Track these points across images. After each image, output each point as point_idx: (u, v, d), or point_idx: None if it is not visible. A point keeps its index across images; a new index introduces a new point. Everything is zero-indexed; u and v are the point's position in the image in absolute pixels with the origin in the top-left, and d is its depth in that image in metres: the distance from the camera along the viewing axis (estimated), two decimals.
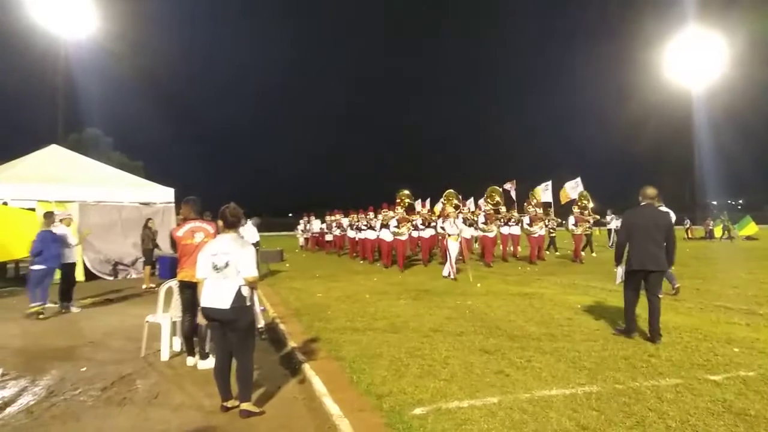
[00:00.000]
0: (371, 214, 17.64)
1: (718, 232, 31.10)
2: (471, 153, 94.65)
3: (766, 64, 60.94)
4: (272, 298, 10.02)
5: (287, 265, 17.45)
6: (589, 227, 17.76)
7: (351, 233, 19.47)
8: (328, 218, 23.59)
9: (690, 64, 46.61)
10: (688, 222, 33.85)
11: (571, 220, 17.18)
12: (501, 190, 17.75)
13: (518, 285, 11.04)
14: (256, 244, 13.43)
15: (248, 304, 4.22)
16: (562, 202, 18.81)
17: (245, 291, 4.19)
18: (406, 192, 16.07)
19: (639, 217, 6.25)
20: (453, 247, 12.75)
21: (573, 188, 18.22)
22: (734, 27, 50.96)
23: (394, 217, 15.21)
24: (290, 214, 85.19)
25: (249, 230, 13.74)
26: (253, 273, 4.19)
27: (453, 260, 12.55)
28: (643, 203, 6.36)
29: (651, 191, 6.36)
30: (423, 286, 11.15)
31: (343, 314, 7.96)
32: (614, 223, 21.06)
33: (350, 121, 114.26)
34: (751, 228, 30.41)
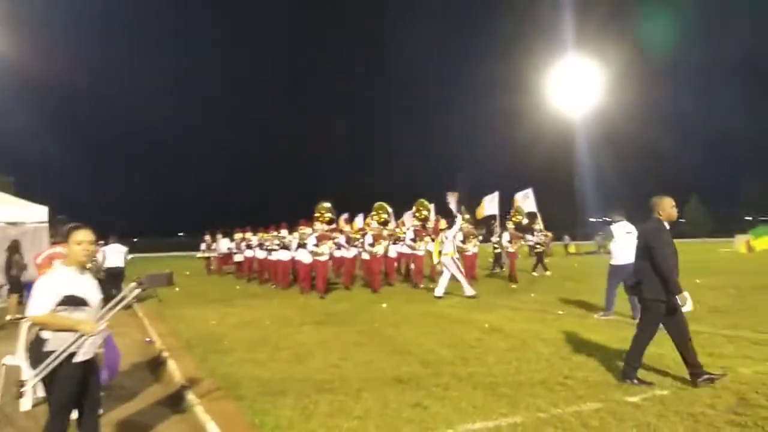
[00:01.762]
0: (284, 232, 15.86)
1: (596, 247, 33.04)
2: (363, 169, 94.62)
3: (636, 92, 67.00)
4: (159, 327, 9.12)
5: (177, 289, 16.23)
6: (544, 243, 17.24)
7: (260, 254, 16.98)
8: (236, 236, 20.44)
9: (571, 90, 49.93)
10: (567, 239, 35.65)
11: (506, 237, 16.30)
12: (428, 204, 16.12)
13: (425, 304, 10.84)
14: (114, 270, 12.27)
15: (46, 349, 3.19)
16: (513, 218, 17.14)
17: (45, 334, 3.22)
18: (327, 205, 13.87)
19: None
20: (449, 264, 11.75)
21: (523, 200, 17.36)
22: (608, 57, 55.40)
23: (312, 234, 13.40)
24: (180, 234, 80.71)
25: (112, 252, 12.51)
26: (31, 311, 3.22)
27: (461, 277, 11.72)
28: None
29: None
30: (327, 308, 10.65)
31: (242, 344, 7.29)
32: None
33: (264, 127, 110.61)
34: None
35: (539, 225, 17.53)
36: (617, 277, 8.41)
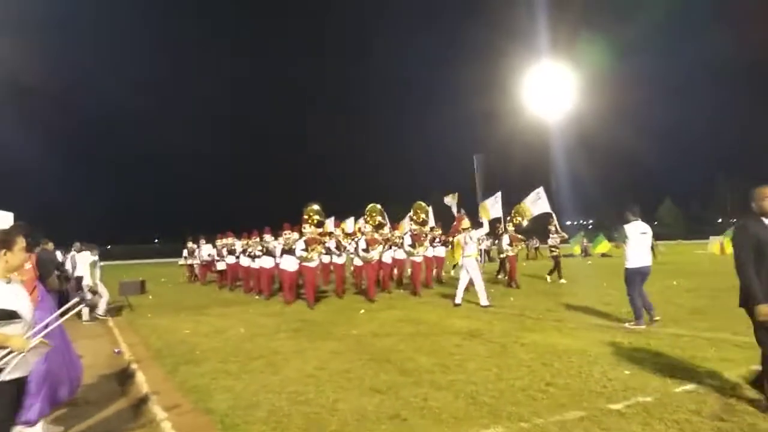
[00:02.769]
0: (268, 237, 14.89)
1: (576, 250, 33.24)
2: (341, 173, 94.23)
3: (608, 97, 67.97)
4: (129, 337, 8.82)
5: (150, 297, 15.83)
6: (554, 248, 16.14)
7: (244, 261, 15.98)
8: (218, 242, 18.85)
9: (546, 94, 50.43)
10: (536, 242, 35.40)
11: (505, 239, 14.94)
12: (426, 206, 15.14)
13: (403, 310, 10.67)
14: (83, 279, 11.65)
15: None
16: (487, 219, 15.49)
17: None
18: (316, 208, 12.61)
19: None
20: (473, 268, 10.83)
21: (493, 205, 16.04)
22: (582, 62, 56.09)
23: (300, 238, 12.33)
24: (156, 240, 78.98)
25: (82, 260, 11.89)
26: None
27: (481, 283, 10.84)
28: None
29: None
30: (303, 316, 10.41)
31: (214, 354, 7.04)
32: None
33: (237, 130, 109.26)
34: (604, 246, 32.88)
35: (554, 226, 16.14)
36: (636, 281, 7.90)
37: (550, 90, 50.17)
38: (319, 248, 12.31)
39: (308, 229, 12.29)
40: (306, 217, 12.48)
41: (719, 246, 27.68)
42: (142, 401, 5.21)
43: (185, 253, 22.57)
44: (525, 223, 15.28)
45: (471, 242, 10.99)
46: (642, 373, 5.28)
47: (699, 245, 35.88)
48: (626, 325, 7.91)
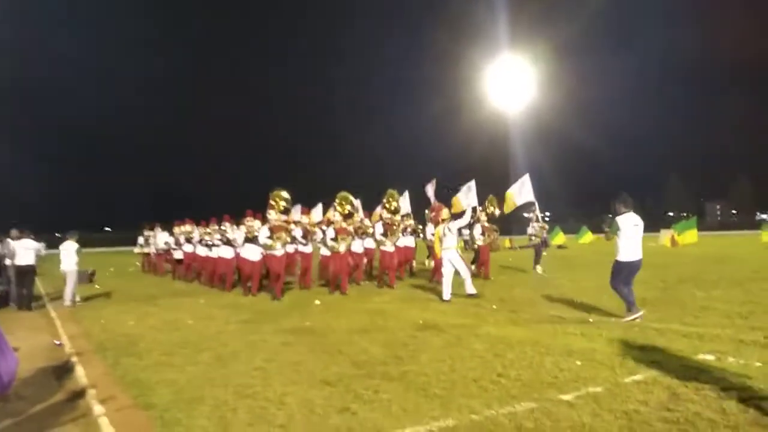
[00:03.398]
0: (227, 225, 13.87)
1: (560, 239, 33.59)
2: (315, 165, 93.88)
3: (565, 93, 69.41)
4: (71, 328, 8.46)
5: (96, 286, 15.27)
6: (534, 237, 15.79)
7: (201, 250, 14.99)
8: (176, 230, 17.66)
9: (506, 89, 51.14)
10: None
11: (477, 229, 14.19)
12: (398, 195, 14.35)
13: (359, 301, 10.56)
14: (24, 269, 10.91)
15: None
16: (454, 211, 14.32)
17: None
18: (283, 194, 11.84)
19: None
20: (456, 259, 10.30)
21: (519, 189, 15.33)
22: (539, 59, 57.10)
23: (264, 225, 11.66)
24: (107, 228, 76.20)
25: (22, 248, 11.26)
26: None
27: (467, 273, 10.43)
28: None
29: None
30: (255, 307, 10.18)
31: (159, 346, 6.78)
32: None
33: (204, 119, 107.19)
34: (560, 237, 33.53)
35: (535, 214, 15.85)
36: (624, 275, 7.62)
37: (509, 84, 50.91)
38: (285, 236, 11.61)
39: (273, 216, 11.58)
40: (272, 202, 11.75)
41: (670, 239, 28.55)
42: (79, 396, 4.94)
43: (140, 240, 21.40)
44: (498, 212, 14.93)
45: (450, 233, 10.55)
46: (592, 364, 5.30)
47: (650, 238, 36.88)
48: (623, 320, 7.43)
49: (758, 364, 5.02)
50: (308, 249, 13.63)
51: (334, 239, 12.14)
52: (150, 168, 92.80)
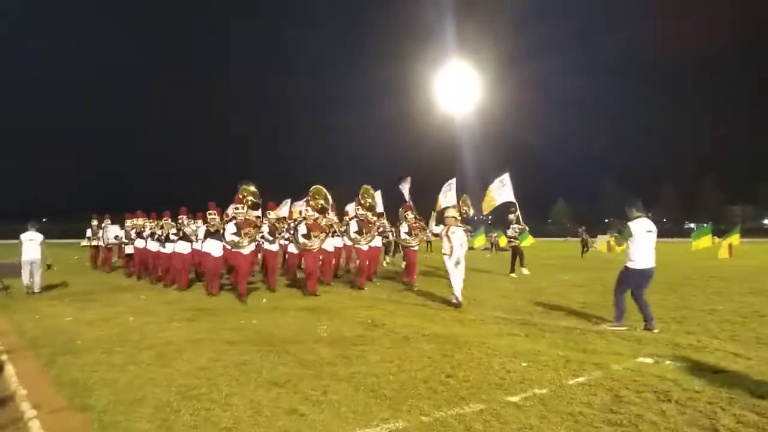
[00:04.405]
0: (183, 218, 12.61)
1: (503, 242, 33.83)
2: (265, 165, 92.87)
3: (507, 95, 71.49)
4: (2, 324, 8.01)
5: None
6: (514, 239, 15.22)
7: (153, 245, 13.50)
8: (127, 223, 16.03)
9: (453, 93, 52.10)
10: (430, 235, 35.75)
11: (404, 228, 12.69)
12: (373, 191, 13.49)
13: (306, 299, 10.45)
14: None
15: None
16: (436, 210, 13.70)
17: None
18: (252, 188, 11.06)
19: None
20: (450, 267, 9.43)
21: (499, 189, 14.61)
22: (486, 65, 58.65)
23: (230, 220, 10.79)
24: (43, 219, 72.53)
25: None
26: None
27: (455, 283, 9.36)
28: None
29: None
30: (200, 304, 9.91)
31: (98, 344, 6.49)
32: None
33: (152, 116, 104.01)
34: (529, 240, 34.05)
35: (516, 216, 15.09)
36: (630, 283, 7.28)
37: (457, 88, 51.83)
38: (254, 233, 10.70)
39: (241, 211, 10.68)
40: (240, 196, 10.88)
41: (606, 244, 29.64)
42: (9, 398, 4.66)
43: (89, 233, 19.24)
44: (472, 212, 13.95)
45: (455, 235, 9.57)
46: (537, 366, 5.41)
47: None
48: (606, 326, 7.34)
49: (693, 367, 5.26)
50: (274, 247, 12.53)
51: (306, 236, 11.13)
52: (82, 155, 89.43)
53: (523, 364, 5.46)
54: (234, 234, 10.38)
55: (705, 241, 24.68)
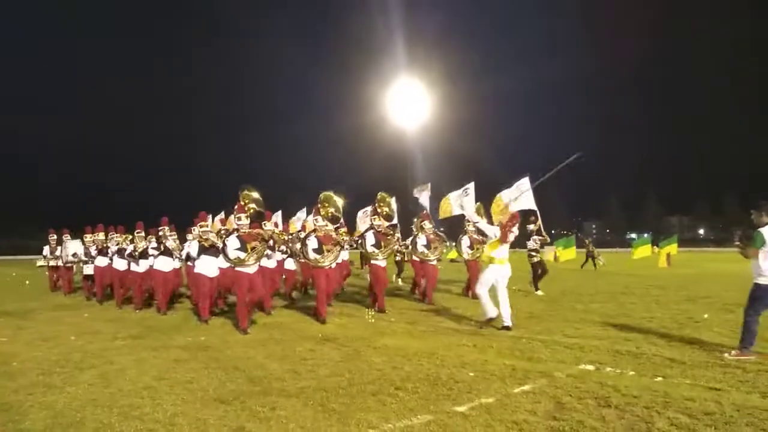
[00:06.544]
0: (165, 229, 11.01)
1: (453, 255, 34.22)
2: (219, 174, 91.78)
3: (457, 110, 73.63)
4: None
5: None
6: (535, 253, 13.75)
7: (119, 264, 11.93)
8: (87, 238, 14.00)
9: (404, 108, 52.99)
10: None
11: (370, 239, 10.79)
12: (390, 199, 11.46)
13: (256, 314, 10.29)
14: None
15: None
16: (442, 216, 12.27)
17: None
18: (255, 195, 9.74)
19: None
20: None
21: (516, 196, 11.63)
22: (435, 80, 60.25)
23: (230, 233, 9.21)
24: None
25: None
26: None
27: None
28: None
29: None
30: (146, 321, 9.65)
31: (36, 365, 6.23)
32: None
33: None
34: (453, 253, 34.59)
35: (538, 226, 13.06)
36: (766, 302, 6.05)
37: (408, 103, 52.76)
38: (261, 247, 9.02)
39: (244, 221, 9.06)
40: (243, 203, 9.45)
41: (553, 255, 30.41)
42: None
43: (46, 251, 16.72)
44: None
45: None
46: (485, 375, 5.51)
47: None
48: (730, 354, 6.06)
49: (632, 373, 5.48)
50: (272, 263, 11.18)
51: (317, 250, 9.46)
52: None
53: (471, 374, 5.56)
54: (237, 249, 8.71)
55: (644, 250, 25.74)
